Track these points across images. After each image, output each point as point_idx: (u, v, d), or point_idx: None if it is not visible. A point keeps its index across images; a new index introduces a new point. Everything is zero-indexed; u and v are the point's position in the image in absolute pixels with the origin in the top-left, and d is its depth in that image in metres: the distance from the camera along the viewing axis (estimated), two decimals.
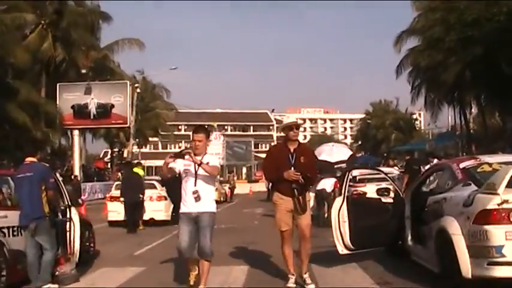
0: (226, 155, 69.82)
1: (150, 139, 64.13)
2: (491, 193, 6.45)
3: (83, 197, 25.04)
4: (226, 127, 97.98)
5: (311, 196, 8.85)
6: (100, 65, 41.60)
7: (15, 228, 8.19)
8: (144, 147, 65.34)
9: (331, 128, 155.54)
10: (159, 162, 7.22)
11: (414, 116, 77.96)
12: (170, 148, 73.17)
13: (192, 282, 7.52)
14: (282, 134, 8.04)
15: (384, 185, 16.40)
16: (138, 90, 46.44)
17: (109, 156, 60.43)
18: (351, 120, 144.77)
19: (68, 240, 9.00)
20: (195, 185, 7.27)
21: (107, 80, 41.55)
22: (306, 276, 7.65)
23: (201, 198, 7.26)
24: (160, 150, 79.46)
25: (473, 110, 47.24)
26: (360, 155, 62.60)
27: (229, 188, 40.88)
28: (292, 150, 7.70)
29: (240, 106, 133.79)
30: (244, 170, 78.95)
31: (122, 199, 17.62)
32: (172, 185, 15.27)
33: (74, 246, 9.05)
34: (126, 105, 39.15)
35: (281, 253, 7.88)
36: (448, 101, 42.93)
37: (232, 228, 17.03)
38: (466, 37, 29.11)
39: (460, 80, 34.11)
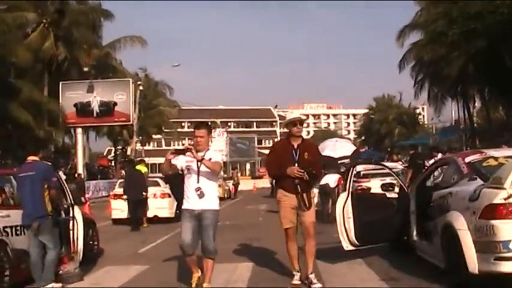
0: (229, 152, 69.79)
1: (154, 136, 64.16)
2: (497, 187, 6.38)
3: (86, 195, 25.07)
4: (229, 123, 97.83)
5: (315, 193, 8.75)
6: (102, 63, 41.61)
7: (18, 228, 8.14)
8: (147, 144, 65.32)
9: (335, 123, 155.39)
10: (163, 160, 7.07)
11: (417, 111, 77.78)
12: (173, 145, 73.00)
13: (194, 285, 7.37)
14: (286, 129, 7.96)
15: (388, 180, 16.39)
16: (141, 87, 46.39)
17: (112, 154, 60.44)
18: (354, 115, 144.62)
19: (71, 239, 8.95)
20: (198, 182, 7.19)
21: (109, 78, 41.54)
22: (311, 276, 7.52)
23: (204, 195, 7.18)
24: (163, 147, 79.37)
25: (476, 104, 47.13)
26: (364, 150, 62.61)
27: (233, 184, 40.88)
28: (295, 146, 7.61)
29: (243, 102, 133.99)
30: (248, 166, 78.92)
31: (124, 197, 17.59)
32: (176, 182, 15.22)
33: (77, 245, 8.99)
34: (129, 102, 39.16)
35: (286, 250, 7.82)
36: (452, 95, 42.86)
37: (237, 225, 17.00)
38: (469, 30, 28.95)
39: (464, 74, 34.02)
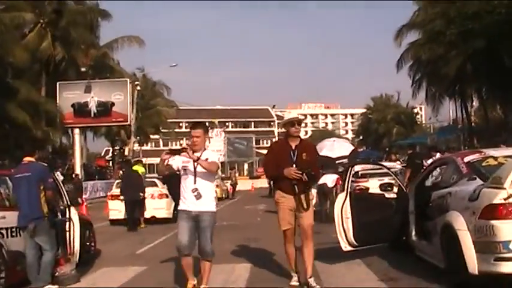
0: (227, 152, 69.78)
1: (151, 136, 64.12)
2: (497, 187, 6.33)
3: (84, 196, 25.00)
4: (227, 124, 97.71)
5: (313, 194, 8.68)
6: (100, 63, 41.58)
7: (14, 229, 8.08)
8: (145, 144, 65.31)
9: (333, 123, 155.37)
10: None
11: (415, 110, 77.81)
12: (171, 145, 73.04)
13: None
14: (283, 130, 7.88)
15: (386, 180, 16.37)
16: (139, 87, 46.37)
17: (110, 154, 60.38)
18: (352, 115, 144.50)
19: (67, 241, 8.89)
20: (195, 183, 7.11)
21: (107, 78, 41.49)
22: (311, 280, 7.39)
23: (201, 196, 7.10)
24: (161, 147, 79.33)
25: (474, 103, 47.18)
26: (362, 150, 62.59)
27: (231, 184, 40.88)
28: (293, 146, 7.52)
29: (241, 102, 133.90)
30: (245, 166, 78.95)
31: (121, 197, 17.54)
32: (174, 183, 15.17)
33: (74, 246, 8.94)
34: (126, 103, 39.14)
35: (284, 251, 7.76)
36: (449, 94, 42.90)
37: (235, 225, 16.95)
38: (467, 30, 28.95)
39: (461, 73, 34.04)
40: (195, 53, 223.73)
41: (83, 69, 38.99)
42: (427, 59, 37.49)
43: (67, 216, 8.98)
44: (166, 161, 7.17)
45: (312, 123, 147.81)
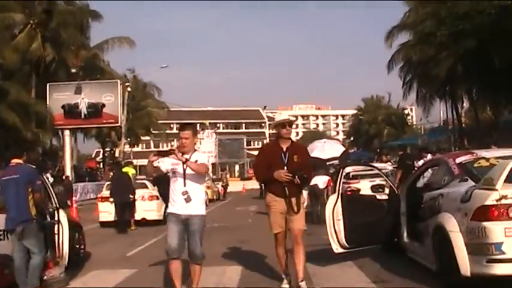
0: (218, 153, 69.73)
1: (142, 138, 63.89)
2: (489, 189, 6.31)
3: (74, 198, 24.84)
4: (218, 125, 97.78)
5: (305, 197, 8.58)
6: (90, 64, 41.42)
7: (1, 232, 7.97)
8: (136, 146, 65.10)
9: (324, 124, 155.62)
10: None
11: (406, 111, 78.02)
12: (162, 147, 72.80)
13: None
14: (275, 131, 7.82)
15: (377, 181, 16.31)
16: (129, 89, 46.20)
17: (101, 156, 60.13)
18: (343, 116, 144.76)
19: (56, 243, 8.78)
20: (185, 186, 6.99)
21: (97, 79, 41.33)
22: (302, 284, 7.30)
23: (191, 199, 6.98)
24: (152, 149, 79.14)
25: (465, 104, 47.34)
26: (353, 151, 62.66)
27: (222, 186, 40.77)
28: (284, 148, 7.43)
29: (232, 103, 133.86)
30: (237, 167, 78.89)
31: (111, 199, 17.44)
32: (164, 184, 15.10)
33: (62, 249, 8.83)
34: (117, 104, 39.03)
35: (275, 253, 7.69)
36: (440, 95, 43.00)
37: (226, 227, 16.89)
38: (458, 31, 29.04)
39: (452, 74, 34.12)
40: (185, 54, 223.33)
41: (73, 70, 38.87)
42: (417, 60, 37.58)
43: (56, 218, 8.87)
44: (154, 163, 7.03)
45: (303, 124, 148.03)
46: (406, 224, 8.91)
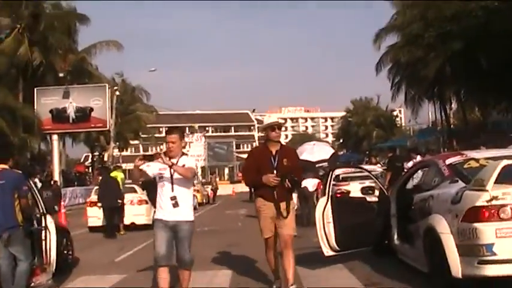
0: (207, 156, 69.61)
1: (131, 142, 63.77)
2: (479, 189, 6.27)
3: (63, 203, 24.65)
4: (207, 128, 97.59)
5: (295, 202, 8.49)
6: (78, 68, 41.23)
7: None
8: (125, 150, 64.85)
9: (313, 126, 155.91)
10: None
11: (395, 113, 78.29)
12: (152, 151, 72.63)
13: None
14: (263, 134, 7.72)
15: (367, 183, 16.31)
16: (117, 93, 46.09)
17: (90, 160, 59.91)
18: (332, 118, 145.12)
19: (43, 250, 8.66)
20: (173, 191, 6.87)
21: (85, 83, 41.14)
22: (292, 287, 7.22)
23: (179, 204, 6.86)
24: (141, 153, 78.93)
25: (453, 105, 47.53)
26: (342, 153, 62.75)
27: (211, 189, 40.71)
28: (274, 152, 7.33)
29: (221, 107, 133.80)
30: (226, 170, 78.75)
31: (99, 204, 17.33)
32: (153, 189, 15.00)
33: (50, 256, 8.68)
34: (105, 108, 38.85)
35: (265, 257, 7.62)
36: (428, 96, 43.16)
37: (215, 231, 16.81)
38: (445, 32, 29.22)
39: (440, 75, 34.29)
40: (174, 57, 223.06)
41: (61, 74, 38.72)
42: (406, 62, 37.73)
43: (43, 224, 8.76)
44: (141, 167, 6.91)
45: (292, 127, 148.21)
46: (397, 226, 8.88)
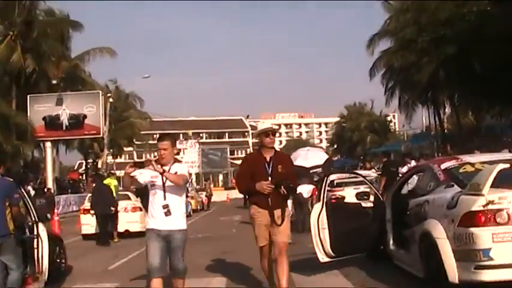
0: (202, 163, 69.49)
1: (125, 149, 63.56)
2: (475, 194, 6.23)
3: (56, 210, 24.53)
4: (201, 135, 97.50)
5: (290, 209, 8.38)
6: (71, 75, 41.09)
7: None
8: (119, 157, 64.67)
9: (307, 132, 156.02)
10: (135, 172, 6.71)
11: (389, 118, 78.36)
12: (146, 157, 72.48)
13: None
14: (257, 140, 7.62)
15: (362, 188, 16.25)
16: (111, 99, 45.96)
17: (84, 167, 59.73)
18: (326, 124, 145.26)
19: (36, 258, 8.56)
20: (165, 199, 6.73)
21: (79, 90, 41.02)
22: None
23: (171, 213, 6.72)
24: (135, 159, 78.74)
25: (447, 110, 47.58)
26: (336, 158, 62.73)
27: (206, 196, 40.63)
28: (268, 158, 7.21)
29: (215, 113, 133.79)
30: (220, 177, 78.62)
31: (92, 211, 17.23)
32: (147, 196, 14.90)
33: (42, 264, 8.60)
34: (99, 115, 38.73)
35: (260, 263, 7.53)
36: (422, 101, 43.20)
37: (210, 237, 16.73)
38: (439, 37, 29.29)
39: (434, 80, 34.34)
40: (167, 64, 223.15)
41: (54, 81, 38.61)
42: (399, 67, 37.80)
43: (35, 232, 8.66)
44: (132, 174, 6.76)
45: (286, 132, 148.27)
46: (392, 231, 8.83)
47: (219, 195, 50.14)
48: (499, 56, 25.17)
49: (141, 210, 17.95)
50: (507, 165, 6.31)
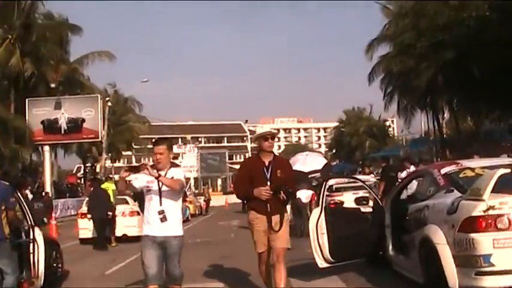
0: (200, 167, 69.46)
1: (124, 153, 63.42)
2: (476, 199, 6.16)
3: (54, 214, 24.49)
4: (200, 139, 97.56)
5: (288, 214, 8.28)
6: (70, 78, 41.02)
7: None
8: (117, 161, 64.60)
9: (305, 137, 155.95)
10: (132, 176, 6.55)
11: (387, 123, 78.34)
12: (144, 161, 72.43)
13: None
14: (256, 144, 7.53)
15: (361, 193, 16.21)
16: (110, 103, 45.88)
17: (82, 171, 59.61)
18: (324, 129, 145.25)
19: (31, 263, 8.48)
20: (161, 204, 6.59)
21: (77, 94, 40.95)
22: None
23: (167, 219, 6.57)
24: (134, 164, 78.56)
25: (445, 115, 47.56)
26: (335, 163, 62.67)
27: (204, 200, 40.56)
28: (267, 163, 7.12)
29: (213, 117, 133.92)
30: (219, 181, 78.59)
31: (89, 216, 17.15)
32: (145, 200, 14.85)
33: (38, 269, 8.51)
34: (97, 119, 38.62)
35: (258, 269, 7.45)
36: (421, 106, 43.20)
37: (208, 242, 16.65)
38: (437, 42, 29.28)
39: (433, 85, 34.30)
40: (166, 68, 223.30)
41: (53, 85, 38.50)
42: (398, 72, 37.77)
43: (31, 236, 8.58)
44: (127, 178, 6.63)
45: (285, 137, 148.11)
46: (391, 237, 8.76)
47: (218, 199, 50.08)
48: (498, 60, 25.15)
49: (138, 214, 17.83)
50: (508, 170, 6.25)
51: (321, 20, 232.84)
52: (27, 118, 36.33)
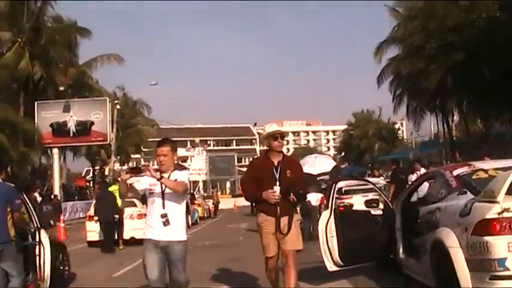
0: (209, 171, 69.47)
1: (132, 156, 63.55)
2: (490, 201, 5.98)
3: (63, 217, 24.48)
4: (208, 142, 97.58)
5: (298, 215, 8.16)
6: (79, 81, 41.20)
7: None
8: (126, 164, 64.70)
9: (314, 140, 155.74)
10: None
11: (397, 125, 78.13)
12: (153, 165, 72.49)
13: None
14: (265, 143, 7.29)
15: (370, 195, 16.03)
16: (118, 106, 46.00)
17: (91, 174, 59.74)
18: (333, 131, 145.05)
19: (37, 265, 8.39)
20: (164, 208, 6.37)
21: (86, 97, 41.07)
22: None
23: (170, 223, 6.38)
24: (134, 165, 78.62)
25: (455, 117, 47.33)
26: (344, 166, 62.48)
27: (213, 203, 40.57)
28: (276, 163, 6.92)
29: (222, 121, 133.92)
30: (228, 184, 78.60)
31: (95, 218, 17.09)
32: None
33: (44, 271, 8.42)
34: (106, 122, 38.78)
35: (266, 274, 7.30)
36: (430, 108, 43.02)
37: (216, 245, 16.56)
38: (447, 43, 29.07)
39: (442, 87, 34.12)
40: (175, 71, 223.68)
41: (62, 88, 38.71)
42: (407, 74, 37.64)
43: (37, 239, 8.49)
44: (130, 181, 6.47)
45: (294, 140, 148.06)
46: (402, 240, 8.59)
47: (226, 202, 50.09)
48: (508, 62, 24.96)
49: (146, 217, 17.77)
50: None
51: (329, 23, 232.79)
52: (36, 121, 36.56)
